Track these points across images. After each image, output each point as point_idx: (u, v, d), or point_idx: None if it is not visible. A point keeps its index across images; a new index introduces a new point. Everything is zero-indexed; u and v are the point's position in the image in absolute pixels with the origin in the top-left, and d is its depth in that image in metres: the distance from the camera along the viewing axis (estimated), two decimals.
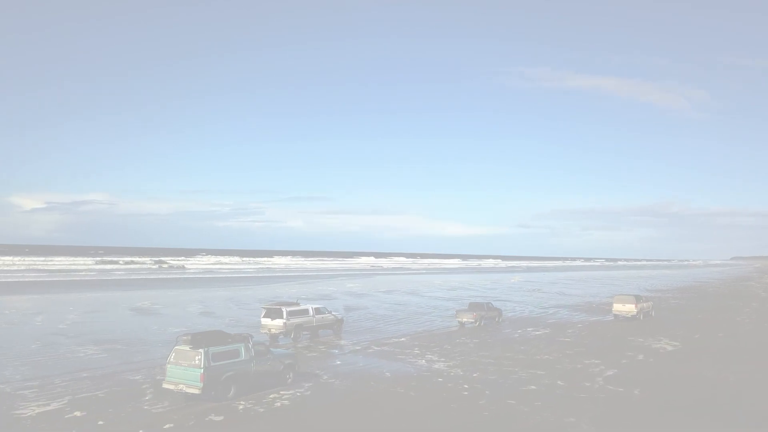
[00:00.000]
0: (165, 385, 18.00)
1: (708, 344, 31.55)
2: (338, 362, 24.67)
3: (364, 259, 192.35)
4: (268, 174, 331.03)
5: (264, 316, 28.90)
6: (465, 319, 38.80)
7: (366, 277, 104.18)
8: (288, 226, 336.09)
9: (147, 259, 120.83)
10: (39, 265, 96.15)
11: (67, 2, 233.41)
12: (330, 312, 31.91)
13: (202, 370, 17.50)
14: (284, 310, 28.57)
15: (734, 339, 34.03)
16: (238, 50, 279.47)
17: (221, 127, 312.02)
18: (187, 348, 18.02)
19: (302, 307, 30.07)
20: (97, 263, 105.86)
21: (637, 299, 46.17)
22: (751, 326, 41.29)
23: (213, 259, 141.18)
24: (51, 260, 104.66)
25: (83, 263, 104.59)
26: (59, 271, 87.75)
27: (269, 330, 28.45)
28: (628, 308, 44.31)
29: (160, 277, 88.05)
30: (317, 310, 30.61)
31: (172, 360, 18.14)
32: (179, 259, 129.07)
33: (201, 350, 17.79)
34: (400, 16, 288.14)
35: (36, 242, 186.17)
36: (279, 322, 28.25)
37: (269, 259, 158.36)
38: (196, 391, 17.52)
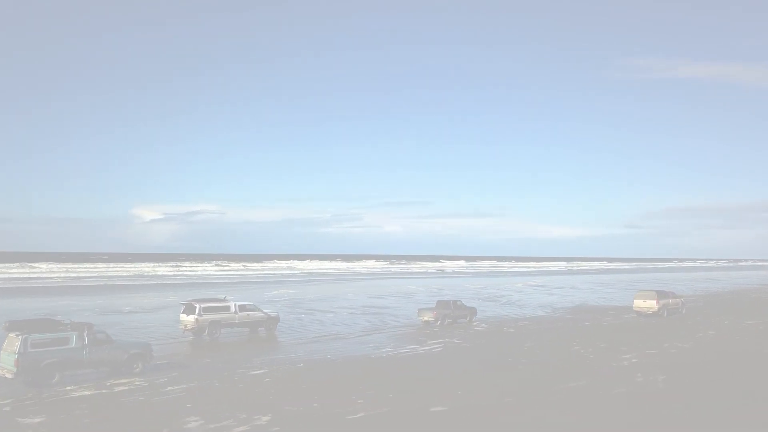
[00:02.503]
0: None
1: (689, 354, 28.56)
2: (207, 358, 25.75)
3: (450, 263, 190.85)
4: (366, 180, 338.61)
5: (182, 312, 30.66)
6: (426, 318, 38.27)
7: (435, 279, 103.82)
8: (386, 231, 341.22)
9: (257, 265, 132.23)
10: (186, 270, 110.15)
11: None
12: (261, 310, 32.97)
13: (17, 355, 19.48)
14: (198, 306, 30.07)
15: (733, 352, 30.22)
16: (321, 51, 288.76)
17: (317, 133, 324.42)
18: (14, 335, 20.13)
19: (222, 303, 31.43)
20: (216, 267, 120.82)
21: (660, 295, 44.03)
22: None
23: (304, 263, 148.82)
24: (182, 265, 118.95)
25: (204, 268, 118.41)
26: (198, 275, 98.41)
27: (185, 325, 30.16)
28: (649, 304, 42.88)
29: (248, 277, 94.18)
30: (242, 308, 31.75)
31: (4, 346, 20.33)
32: (272, 263, 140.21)
33: (19, 337, 19.81)
34: (490, 10, 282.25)
35: (155, 250, 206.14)
36: (191, 317, 29.86)
37: (359, 263, 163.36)
38: (9, 376, 19.50)
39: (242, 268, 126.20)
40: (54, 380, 20.14)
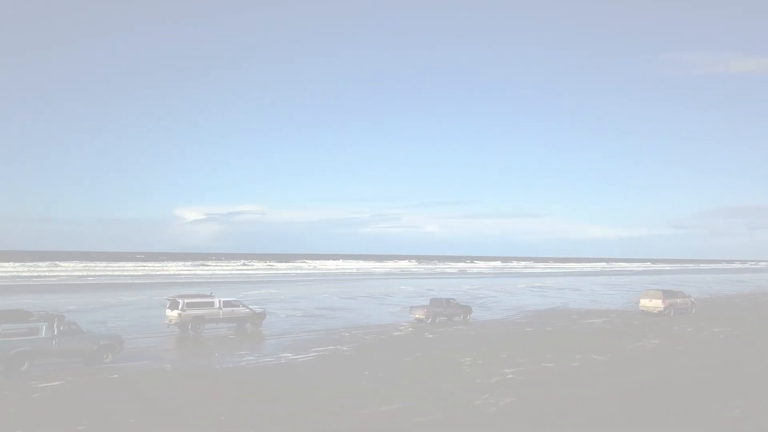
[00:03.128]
0: None
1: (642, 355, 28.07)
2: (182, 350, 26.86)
3: (483, 264, 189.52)
4: (405, 180, 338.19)
5: (168, 307, 32.00)
6: (417, 315, 38.67)
7: (444, 279, 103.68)
8: (424, 232, 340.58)
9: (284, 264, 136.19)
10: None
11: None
12: (246, 306, 34.01)
13: None
14: (180, 301, 31.32)
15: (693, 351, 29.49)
16: (357, 50, 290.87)
17: (357, 134, 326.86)
18: None
19: (206, 299, 32.59)
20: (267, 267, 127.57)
21: (666, 294, 44.11)
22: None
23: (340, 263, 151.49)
24: (207, 264, 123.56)
25: (230, 267, 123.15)
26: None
27: (169, 320, 31.48)
28: (655, 304, 43.18)
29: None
30: (226, 303, 32.87)
31: None
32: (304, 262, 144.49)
33: None
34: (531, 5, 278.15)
35: (197, 250, 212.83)
36: (175, 312, 31.11)
37: (388, 263, 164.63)
38: None
39: (268, 267, 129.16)
40: (23, 368, 21.52)
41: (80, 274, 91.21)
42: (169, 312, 31.47)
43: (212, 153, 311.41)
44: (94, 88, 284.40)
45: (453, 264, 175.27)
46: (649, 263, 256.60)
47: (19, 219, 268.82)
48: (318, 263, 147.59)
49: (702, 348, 28.60)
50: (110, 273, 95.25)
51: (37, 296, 52.83)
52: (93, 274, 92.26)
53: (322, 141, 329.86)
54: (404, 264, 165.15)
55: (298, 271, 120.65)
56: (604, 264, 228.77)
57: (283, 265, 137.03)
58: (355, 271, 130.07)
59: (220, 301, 32.68)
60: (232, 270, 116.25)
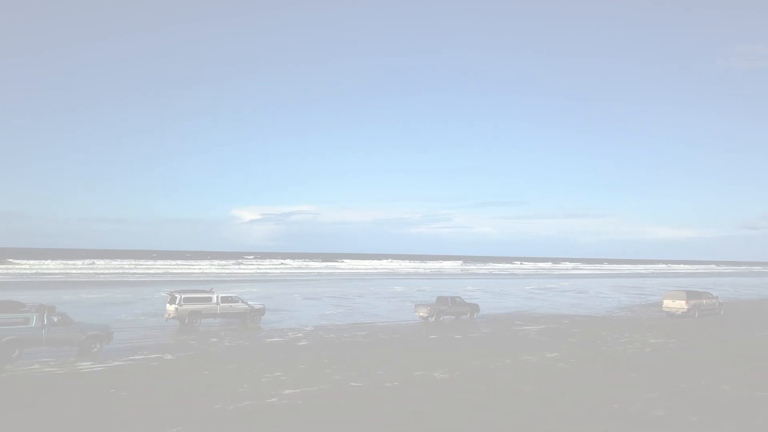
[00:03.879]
0: None
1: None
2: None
3: (529, 264, 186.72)
4: (458, 181, 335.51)
5: (167, 302, 33.73)
6: (421, 314, 39.05)
7: (462, 280, 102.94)
8: (476, 232, 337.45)
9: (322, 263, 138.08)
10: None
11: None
12: (245, 302, 35.31)
13: None
14: (178, 296, 32.99)
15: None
16: (408, 51, 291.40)
17: (409, 134, 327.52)
18: None
19: (204, 294, 34.10)
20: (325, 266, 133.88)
21: (690, 295, 43.49)
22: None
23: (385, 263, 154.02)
24: (244, 263, 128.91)
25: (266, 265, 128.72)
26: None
27: (168, 314, 33.17)
28: (678, 305, 42.77)
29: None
30: (225, 299, 34.25)
31: None
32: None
33: None
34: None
35: (253, 249, 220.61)
36: (173, 307, 32.77)
37: (429, 263, 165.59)
38: None
39: (304, 266, 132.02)
40: (14, 355, 23.45)
41: (97, 272, 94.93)
42: (168, 306, 33.17)
43: (268, 154, 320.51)
44: (163, 92, 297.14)
45: (495, 265, 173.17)
46: (713, 266, 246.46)
47: (92, 219, 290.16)
48: (356, 262, 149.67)
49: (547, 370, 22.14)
50: (130, 271, 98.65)
51: (96, 290, 56.64)
52: (109, 272, 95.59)
53: (375, 142, 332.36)
54: (447, 264, 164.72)
55: (324, 270, 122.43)
56: (663, 266, 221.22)
57: (319, 264, 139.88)
58: (387, 270, 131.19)
59: (218, 297, 34.04)
60: (259, 269, 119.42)
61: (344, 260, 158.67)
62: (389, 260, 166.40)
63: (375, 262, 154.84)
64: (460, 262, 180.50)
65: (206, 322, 33.95)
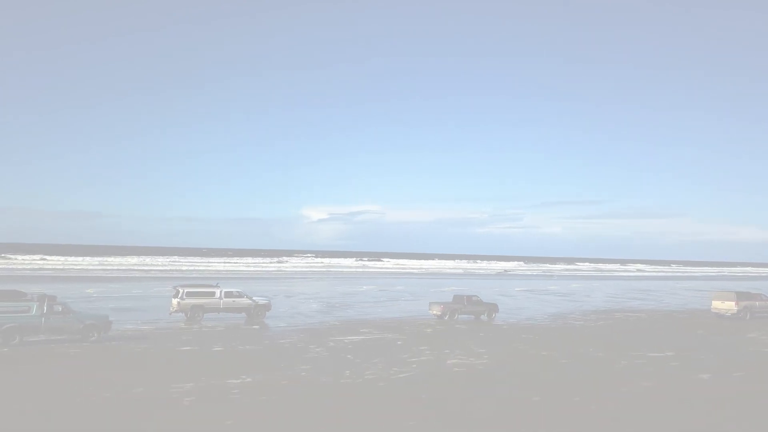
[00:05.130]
0: None
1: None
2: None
3: (588, 266, 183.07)
4: (527, 179, 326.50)
5: (172, 296, 34.77)
6: (435, 312, 39.02)
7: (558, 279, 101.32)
8: (545, 232, 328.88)
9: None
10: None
11: None
12: (249, 297, 36.01)
13: None
14: (181, 290, 34.08)
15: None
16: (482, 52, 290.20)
17: (476, 134, 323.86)
18: None
19: (207, 289, 35.06)
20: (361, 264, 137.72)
21: (740, 296, 43.28)
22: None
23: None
24: (284, 261, 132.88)
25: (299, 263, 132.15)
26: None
27: (172, 307, 34.19)
28: (728, 306, 42.70)
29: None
30: (227, 294, 35.13)
31: None
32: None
33: None
34: None
35: (320, 248, 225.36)
36: (175, 301, 33.86)
37: (493, 263, 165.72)
38: None
39: (361, 264, 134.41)
40: (15, 342, 24.78)
41: (144, 268, 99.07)
42: (173, 300, 34.23)
43: (336, 153, 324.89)
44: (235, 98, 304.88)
45: (550, 266, 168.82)
46: None
47: (167, 218, 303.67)
48: (404, 261, 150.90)
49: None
50: (173, 268, 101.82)
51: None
52: (155, 268, 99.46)
53: (442, 142, 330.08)
54: (509, 264, 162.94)
55: (357, 270, 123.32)
56: (742, 268, 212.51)
57: (371, 263, 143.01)
58: (435, 270, 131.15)
59: (221, 292, 34.95)
60: (296, 267, 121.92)
61: (383, 259, 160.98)
62: (435, 260, 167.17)
63: (423, 262, 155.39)
64: (521, 262, 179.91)
65: (209, 317, 34.78)
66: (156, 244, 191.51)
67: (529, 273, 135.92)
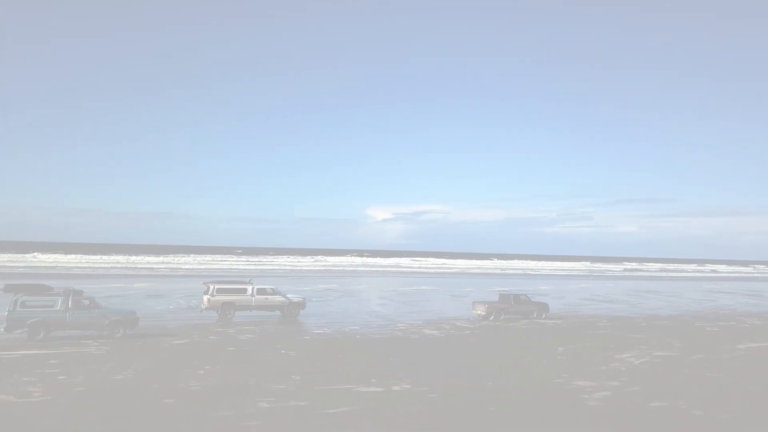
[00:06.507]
0: None
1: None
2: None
3: (657, 266, 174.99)
4: (598, 177, 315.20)
5: (204, 292, 34.69)
6: (479, 311, 37.43)
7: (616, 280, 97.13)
8: (618, 231, 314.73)
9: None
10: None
11: None
12: (283, 295, 35.40)
13: (6, 313, 24.84)
14: (211, 287, 33.87)
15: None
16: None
17: (547, 129, 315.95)
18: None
19: (239, 286, 34.72)
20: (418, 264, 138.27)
21: None
22: None
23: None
24: (323, 260, 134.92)
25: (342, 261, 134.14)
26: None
27: (203, 304, 34.08)
28: None
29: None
30: (260, 291, 34.64)
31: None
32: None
33: (11, 298, 25.16)
34: None
35: (386, 248, 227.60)
36: (205, 298, 33.72)
37: (558, 263, 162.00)
38: (1, 329, 24.89)
39: (413, 262, 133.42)
40: (40, 336, 25.14)
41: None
42: (203, 297, 34.18)
43: (402, 153, 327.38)
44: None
45: (610, 267, 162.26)
46: None
47: (237, 219, 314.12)
48: (458, 262, 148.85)
49: None
50: (228, 266, 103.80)
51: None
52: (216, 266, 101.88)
53: (510, 139, 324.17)
54: (577, 265, 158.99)
55: (408, 269, 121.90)
56: None
57: (428, 261, 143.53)
58: (494, 269, 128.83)
59: (253, 289, 34.56)
60: (336, 264, 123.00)
61: (429, 258, 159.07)
62: (492, 260, 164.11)
63: (477, 262, 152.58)
64: (587, 262, 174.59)
65: (240, 314, 34.52)
66: (224, 244, 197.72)
67: (647, 274, 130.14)
